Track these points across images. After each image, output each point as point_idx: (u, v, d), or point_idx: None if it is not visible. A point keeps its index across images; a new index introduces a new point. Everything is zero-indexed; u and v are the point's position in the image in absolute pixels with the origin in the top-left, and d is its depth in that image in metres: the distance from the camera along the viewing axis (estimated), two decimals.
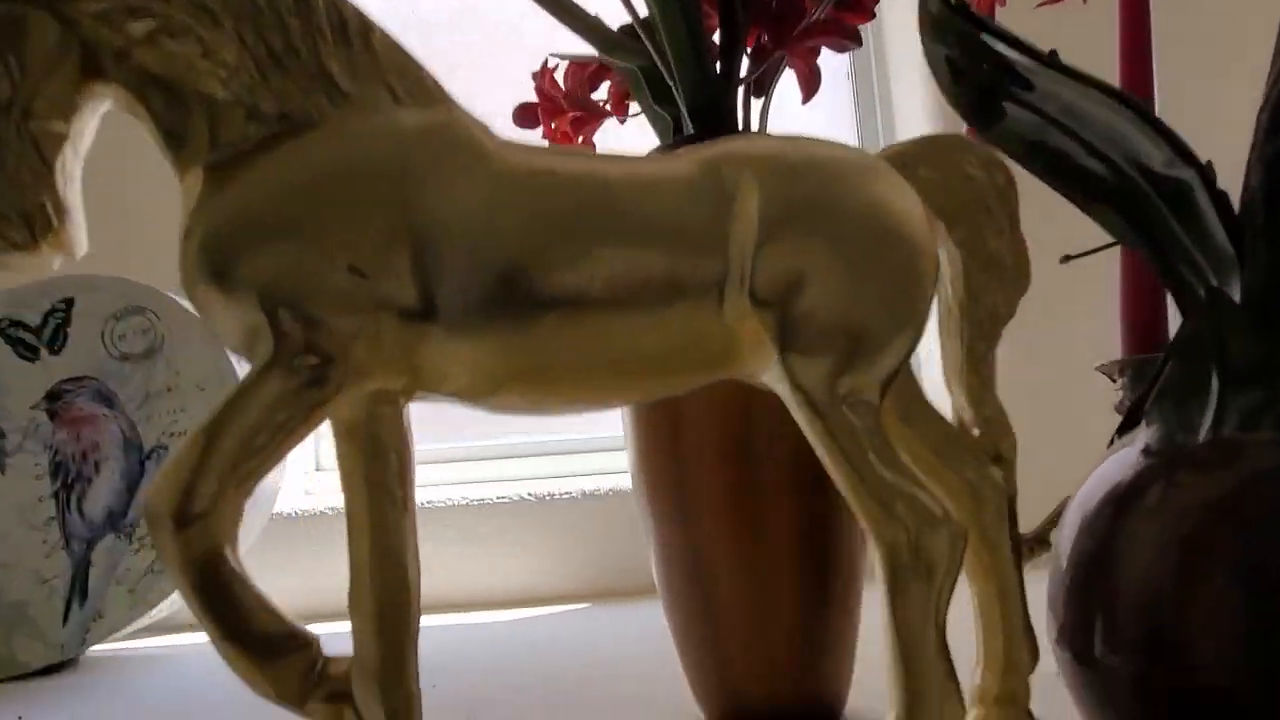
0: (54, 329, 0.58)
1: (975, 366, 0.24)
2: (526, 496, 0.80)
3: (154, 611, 0.58)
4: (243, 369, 0.72)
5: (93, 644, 0.57)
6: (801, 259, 0.20)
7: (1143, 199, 0.30)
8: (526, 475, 0.85)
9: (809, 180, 0.21)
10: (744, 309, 0.20)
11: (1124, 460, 0.30)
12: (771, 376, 0.21)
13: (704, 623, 0.38)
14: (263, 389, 0.19)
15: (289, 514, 0.79)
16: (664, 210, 0.20)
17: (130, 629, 0.58)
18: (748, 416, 0.37)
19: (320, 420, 0.19)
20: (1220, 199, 0.28)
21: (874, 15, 0.46)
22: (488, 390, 0.21)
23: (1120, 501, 0.29)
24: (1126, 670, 0.27)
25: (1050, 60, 0.28)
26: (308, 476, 0.87)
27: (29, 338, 0.58)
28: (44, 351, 0.58)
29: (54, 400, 0.58)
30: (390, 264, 0.19)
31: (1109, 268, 0.41)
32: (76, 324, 0.59)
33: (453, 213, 0.20)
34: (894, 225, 0.21)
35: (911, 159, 0.24)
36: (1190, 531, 0.26)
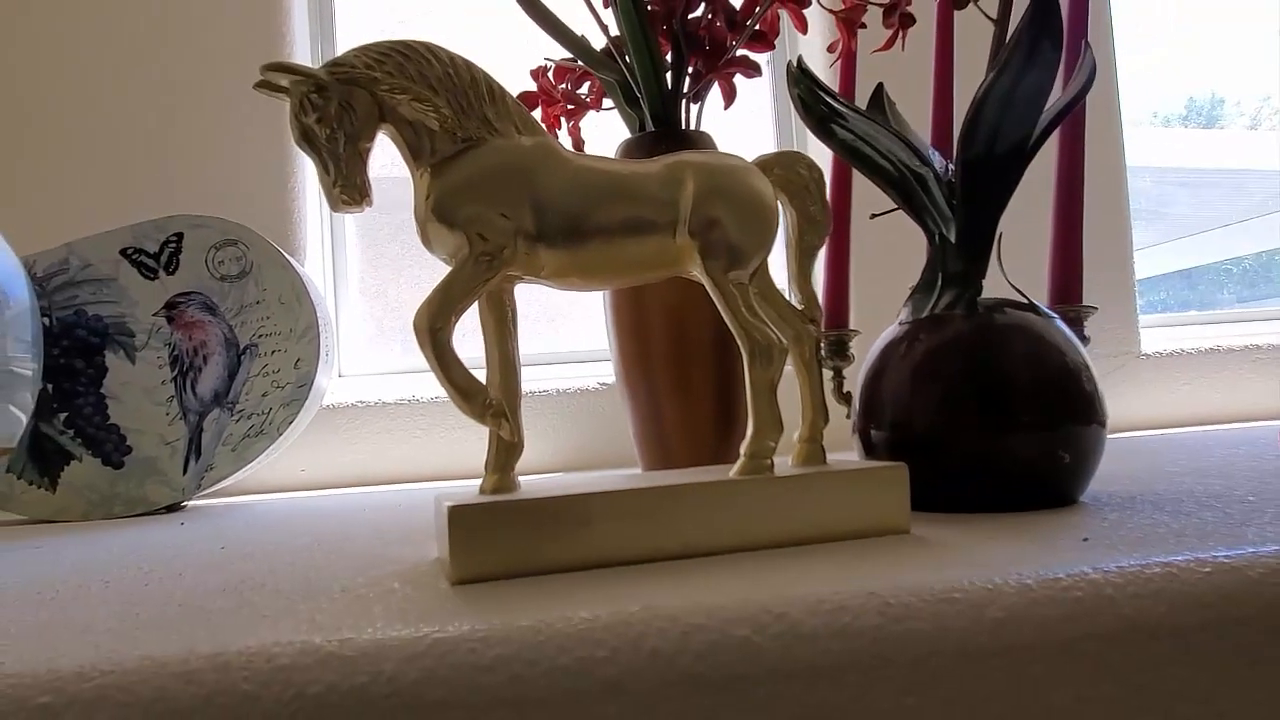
0: (169, 255, 0.77)
1: (802, 272, 0.46)
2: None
3: (249, 466, 0.78)
4: (312, 288, 0.94)
5: (206, 489, 0.77)
6: (714, 213, 0.41)
7: (907, 183, 0.52)
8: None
9: (719, 175, 0.42)
10: (685, 238, 0.42)
11: (892, 330, 0.53)
12: (697, 272, 0.43)
13: (656, 425, 0.61)
14: (465, 270, 0.39)
15: (327, 405, 0.99)
16: (648, 188, 0.41)
17: (233, 479, 0.78)
18: (683, 322, 0.61)
19: (487, 287, 0.40)
20: (947, 185, 0.51)
21: (774, 47, 0.68)
22: (560, 277, 0.42)
23: (887, 349, 0.52)
24: (885, 437, 0.50)
25: (855, 107, 0.51)
26: (333, 380, 1.07)
27: (149, 262, 0.77)
28: (161, 273, 0.77)
29: (171, 309, 0.77)
30: (522, 214, 0.40)
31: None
32: (186, 253, 0.77)
33: (550, 190, 0.40)
34: (759, 198, 0.43)
35: (770, 163, 0.46)
36: (918, 363, 0.49)
